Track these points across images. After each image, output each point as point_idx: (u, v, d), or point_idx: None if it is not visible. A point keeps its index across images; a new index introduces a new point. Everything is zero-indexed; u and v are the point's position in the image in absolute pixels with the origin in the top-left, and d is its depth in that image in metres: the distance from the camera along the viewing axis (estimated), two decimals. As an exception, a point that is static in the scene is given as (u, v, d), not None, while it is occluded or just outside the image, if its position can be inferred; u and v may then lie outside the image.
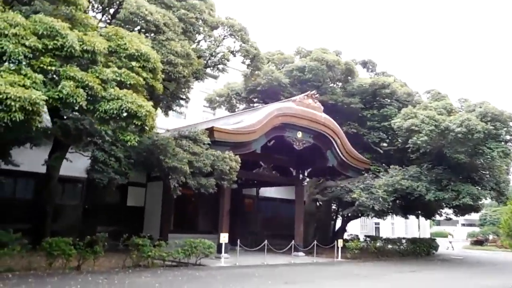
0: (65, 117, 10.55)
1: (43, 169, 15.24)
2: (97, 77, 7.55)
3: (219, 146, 14.55)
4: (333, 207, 28.21)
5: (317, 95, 18.82)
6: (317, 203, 25.98)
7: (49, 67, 7.05)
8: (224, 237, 15.19)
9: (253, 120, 16.27)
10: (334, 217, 27.96)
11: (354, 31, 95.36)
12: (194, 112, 30.20)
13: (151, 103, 8.17)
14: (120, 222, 19.04)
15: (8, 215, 15.46)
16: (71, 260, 11.77)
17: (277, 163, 19.94)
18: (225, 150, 13.85)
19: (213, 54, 14.43)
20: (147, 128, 8.08)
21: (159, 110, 16.91)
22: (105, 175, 12.36)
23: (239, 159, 14.10)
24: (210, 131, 14.81)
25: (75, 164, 14.32)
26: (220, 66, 15.24)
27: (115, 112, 7.43)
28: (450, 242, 34.27)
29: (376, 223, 43.13)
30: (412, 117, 18.74)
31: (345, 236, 27.67)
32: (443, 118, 18.10)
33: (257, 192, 25.41)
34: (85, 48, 7.41)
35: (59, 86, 6.96)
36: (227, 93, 25.43)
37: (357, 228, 40.52)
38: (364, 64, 27.22)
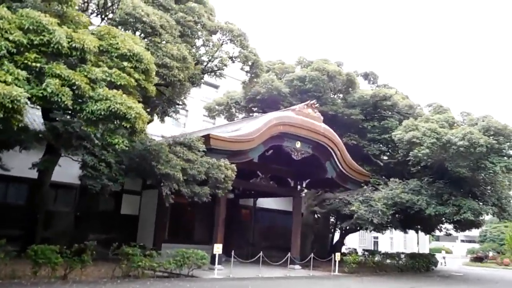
0: (57, 119, 10.20)
1: (35, 175, 14.93)
2: (86, 76, 7.21)
3: (215, 154, 14.15)
4: (332, 219, 27.81)
5: (317, 105, 18.49)
6: (315, 215, 25.54)
7: (33, 64, 6.70)
8: (218, 248, 14.72)
9: (251, 128, 15.90)
10: (332, 230, 27.48)
11: (356, 43, 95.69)
12: (194, 121, 30.03)
13: (141, 105, 7.81)
14: (114, 230, 18.70)
15: (-2, 221, 15.03)
16: (58, 268, 11.34)
17: (275, 173, 19.52)
18: (221, 158, 13.44)
19: (211, 59, 14.11)
20: (137, 131, 7.70)
21: (155, 116, 16.64)
22: (98, 181, 11.98)
23: (235, 168, 13.71)
24: (206, 138, 14.44)
25: (69, 170, 13.91)
26: (218, 72, 14.89)
27: (102, 113, 7.06)
28: (444, 258, 33.77)
29: (374, 237, 42.65)
30: (413, 130, 18.38)
31: (343, 249, 27.19)
32: (445, 131, 17.74)
33: (254, 202, 25.01)
34: (73, 45, 7.07)
35: (44, 84, 6.61)
36: (226, 102, 25.16)
37: (356, 242, 40.07)
38: (366, 76, 26.99)
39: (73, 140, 9.63)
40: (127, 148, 7.97)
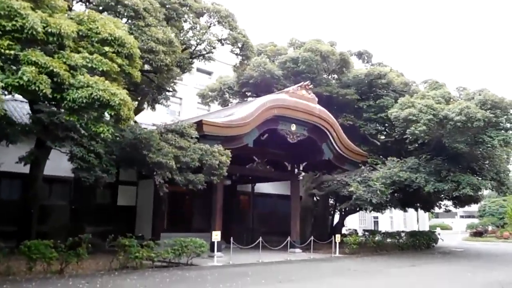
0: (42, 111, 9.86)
1: (27, 169, 14.70)
2: (65, 63, 6.85)
3: (209, 141, 13.87)
4: (331, 201, 27.73)
5: (311, 86, 18.15)
6: (314, 198, 25.44)
7: (7, 51, 6.34)
8: (216, 235, 14.55)
9: (245, 112, 15.58)
10: (332, 212, 27.41)
11: (348, 23, 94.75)
12: (188, 109, 29.65)
13: (126, 91, 7.47)
14: (111, 222, 18.64)
15: (-7, 218, 14.86)
16: (53, 263, 11.17)
17: (271, 157, 19.28)
18: (215, 145, 13.16)
19: (199, 42, 13.68)
20: (123, 119, 7.38)
21: (146, 105, 16.31)
22: (92, 173, 11.73)
23: (230, 153, 13.44)
24: (199, 124, 14.14)
25: (62, 164, 13.60)
26: (207, 55, 14.47)
27: (84, 101, 6.72)
28: (439, 234, 33.91)
29: (374, 217, 42.75)
30: (410, 107, 18.08)
31: (344, 231, 27.17)
32: (441, 107, 17.47)
33: (252, 188, 24.84)
34: (49, 30, 6.70)
35: (19, 72, 6.27)
36: (219, 88, 24.77)
37: (356, 222, 40.16)
38: (360, 55, 26.57)
39: (59, 131, 9.29)
40: (110, 136, 7.65)
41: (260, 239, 16.07)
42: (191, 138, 12.57)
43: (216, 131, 14.47)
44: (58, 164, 13.57)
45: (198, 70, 30.40)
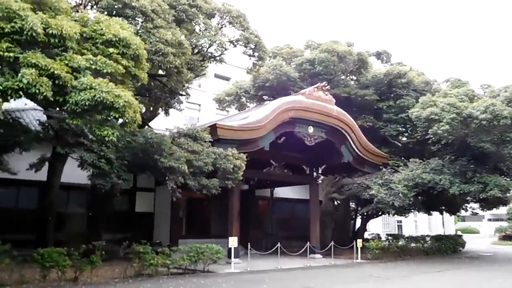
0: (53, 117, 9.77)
1: (44, 177, 14.73)
2: (67, 64, 6.65)
3: (223, 145, 13.58)
4: (352, 205, 27.07)
5: (328, 87, 17.68)
6: (335, 202, 24.85)
7: (6, 54, 6.18)
8: (233, 241, 14.21)
9: (260, 115, 15.25)
10: (354, 216, 26.71)
11: (365, 25, 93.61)
12: (207, 115, 29.43)
13: (131, 93, 7.22)
14: (129, 229, 18.65)
15: (10, 226, 14.94)
16: (67, 271, 11.05)
17: (289, 161, 18.87)
18: (229, 148, 12.84)
19: (211, 44, 13.43)
20: (129, 122, 7.13)
21: (160, 110, 16.17)
22: (107, 180, 11.59)
23: (244, 157, 13.11)
24: (213, 128, 13.88)
25: (80, 171, 13.59)
26: (218, 57, 14.17)
27: (87, 103, 6.50)
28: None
29: (398, 221, 41.62)
30: (431, 106, 17.37)
31: (366, 235, 26.46)
32: (465, 105, 16.72)
33: (271, 193, 24.50)
34: (50, 32, 6.53)
35: (19, 75, 6.10)
36: (236, 92, 24.52)
37: (379, 227, 39.18)
38: (378, 55, 25.91)
39: (69, 137, 9.16)
40: (115, 140, 7.38)
41: (279, 244, 15.68)
42: (205, 142, 12.29)
43: (231, 135, 14.18)
44: (76, 171, 13.47)
45: (216, 76, 30.34)
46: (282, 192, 24.75)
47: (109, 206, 18.78)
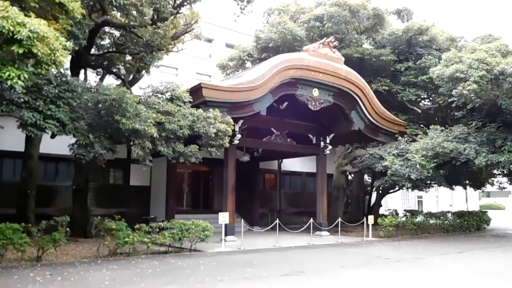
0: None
1: (22, 147, 13.46)
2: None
3: (211, 108, 11.76)
4: (367, 179, 25.13)
5: (336, 42, 15.49)
6: (348, 176, 22.93)
7: None
8: (224, 217, 12.60)
9: (254, 75, 13.28)
10: (369, 191, 24.76)
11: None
12: (186, 80, 26.79)
13: (45, 22, 5.43)
14: (124, 203, 17.69)
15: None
16: (26, 250, 9.73)
17: (293, 129, 16.92)
18: (210, 109, 10.99)
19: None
20: (43, 61, 5.39)
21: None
22: (89, 150, 10.10)
23: (232, 121, 11.28)
24: (198, 88, 12.06)
25: (65, 141, 12.06)
26: None
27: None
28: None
29: (418, 197, 39.48)
30: (457, 63, 14.99)
31: (383, 211, 24.55)
32: (497, 61, 14.29)
33: (279, 166, 22.89)
34: None
35: None
36: (239, 56, 22.57)
37: (398, 202, 37.20)
38: (398, 12, 23.23)
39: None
40: (23, 84, 5.63)
41: (277, 221, 14.02)
42: (184, 103, 10.47)
43: (219, 96, 12.31)
44: (65, 141, 11.94)
45: (196, 37, 27.48)
46: (291, 165, 23.06)
47: (101, 179, 17.57)
